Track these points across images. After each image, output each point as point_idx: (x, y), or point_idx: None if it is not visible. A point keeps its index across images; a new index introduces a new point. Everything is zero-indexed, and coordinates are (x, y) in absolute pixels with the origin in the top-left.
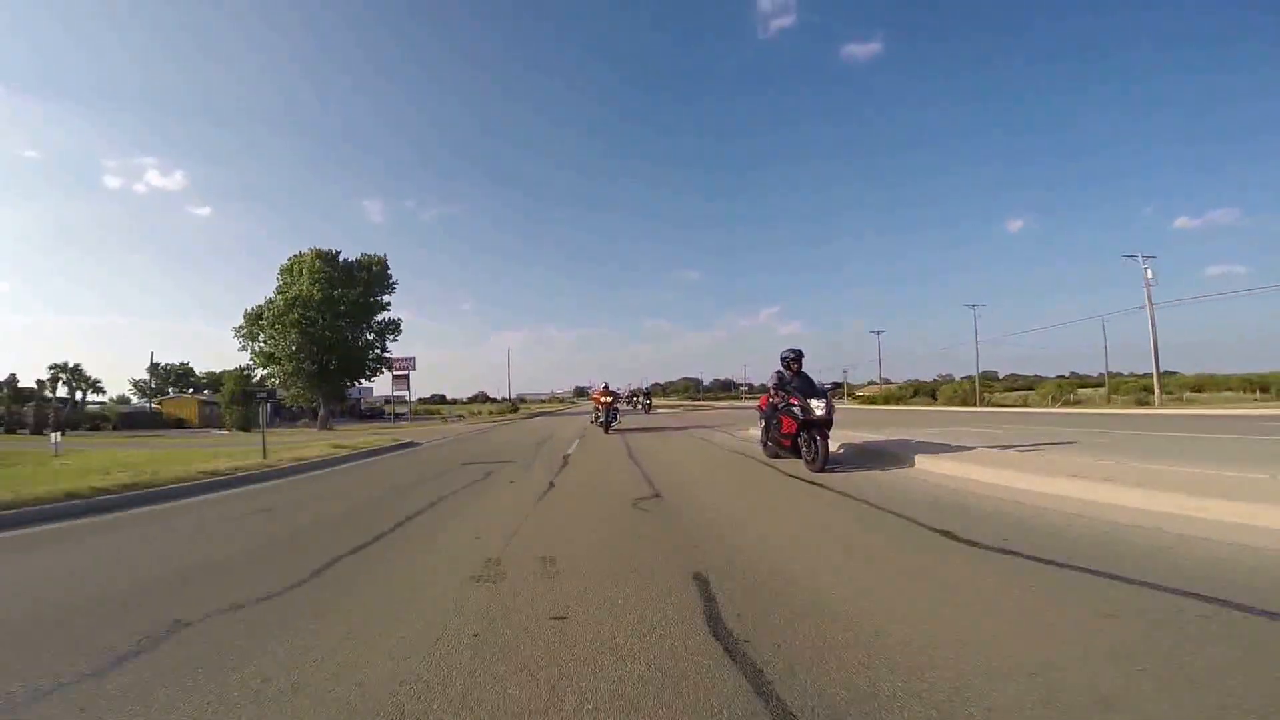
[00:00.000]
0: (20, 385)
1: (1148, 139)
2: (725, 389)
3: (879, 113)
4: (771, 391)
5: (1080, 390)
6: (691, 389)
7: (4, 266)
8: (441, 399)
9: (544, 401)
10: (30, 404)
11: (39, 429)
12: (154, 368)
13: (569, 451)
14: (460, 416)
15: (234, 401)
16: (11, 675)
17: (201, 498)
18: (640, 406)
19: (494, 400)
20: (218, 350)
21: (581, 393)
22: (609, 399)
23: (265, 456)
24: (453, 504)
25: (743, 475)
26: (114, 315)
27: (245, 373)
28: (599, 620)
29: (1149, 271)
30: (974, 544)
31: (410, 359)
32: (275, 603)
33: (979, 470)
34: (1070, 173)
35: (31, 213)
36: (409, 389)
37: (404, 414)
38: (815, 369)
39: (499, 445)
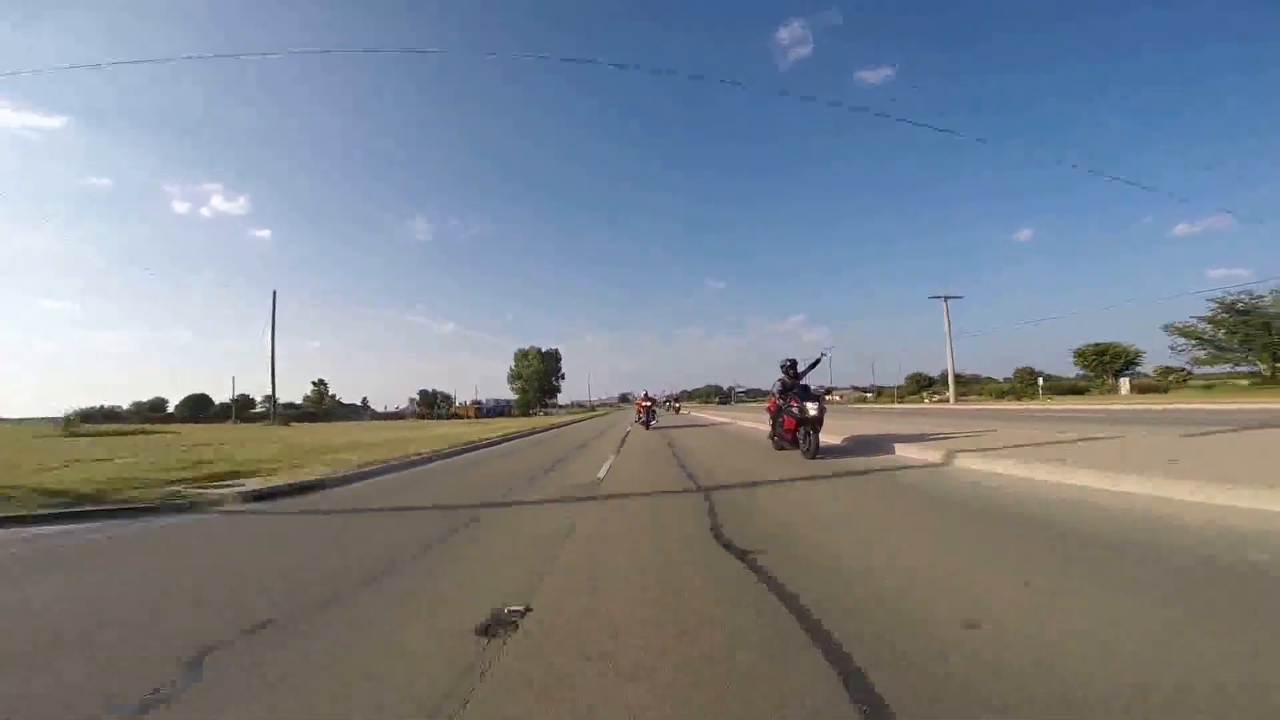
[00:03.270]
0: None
1: (1150, 149)
2: (745, 394)
3: (893, 132)
4: (776, 396)
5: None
6: (713, 395)
7: (77, 287)
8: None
9: (593, 408)
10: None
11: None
12: (424, 393)
13: (629, 427)
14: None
15: (522, 404)
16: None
17: (560, 430)
18: (671, 409)
19: (562, 406)
20: (294, 365)
21: (625, 399)
22: (648, 403)
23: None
24: (612, 431)
25: (728, 441)
26: (187, 332)
27: (517, 394)
28: (646, 466)
29: (827, 356)
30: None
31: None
32: (593, 441)
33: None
34: (1074, 184)
35: (104, 237)
36: (554, 400)
37: (556, 410)
38: (840, 372)
39: (604, 424)
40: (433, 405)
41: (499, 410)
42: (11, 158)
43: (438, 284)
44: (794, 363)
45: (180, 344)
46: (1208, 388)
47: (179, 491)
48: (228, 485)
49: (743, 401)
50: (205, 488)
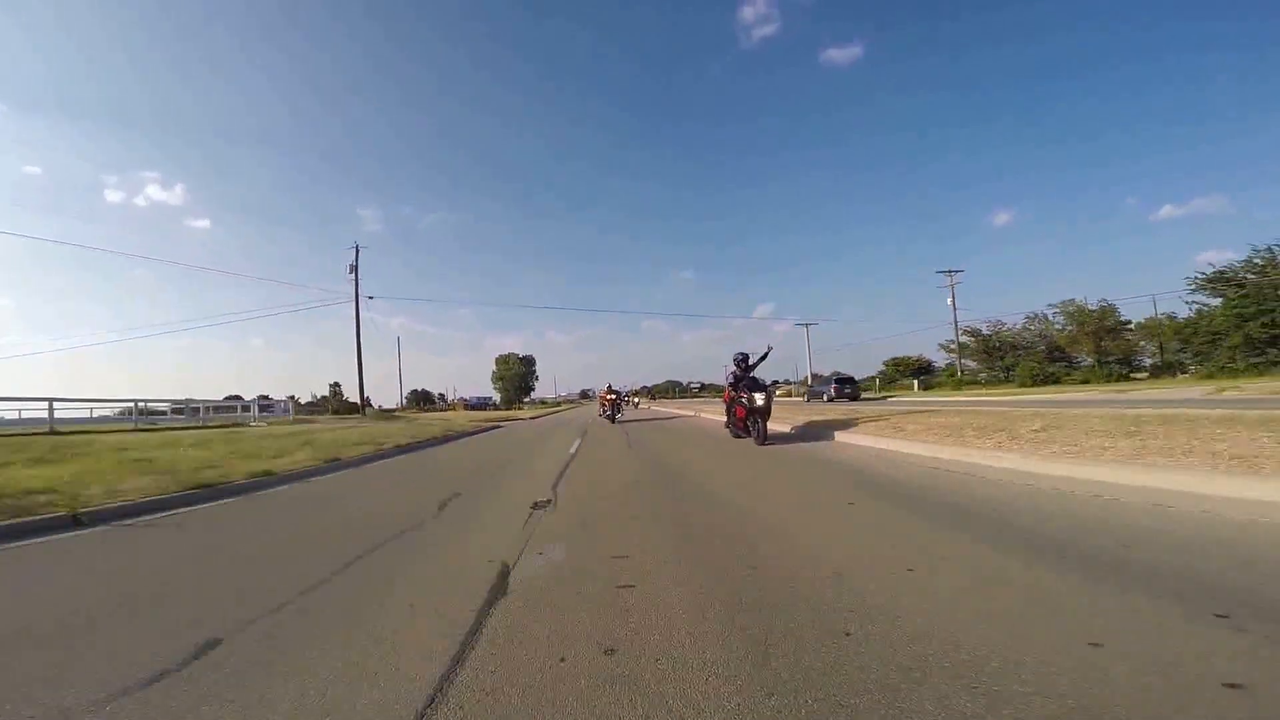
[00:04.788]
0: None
1: (1131, 129)
2: (701, 388)
3: (862, 111)
4: (729, 387)
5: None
6: (672, 390)
7: (9, 282)
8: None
9: (559, 403)
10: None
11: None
12: (415, 392)
13: (592, 419)
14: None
15: (505, 402)
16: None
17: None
18: (631, 404)
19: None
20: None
21: (586, 395)
22: (613, 397)
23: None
24: (583, 421)
25: (684, 431)
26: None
27: (499, 393)
28: (608, 445)
29: (774, 349)
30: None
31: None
32: (570, 427)
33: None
34: (1054, 165)
35: (33, 229)
36: (529, 396)
37: (523, 405)
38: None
39: (567, 417)
40: (425, 401)
41: (482, 405)
42: None
43: (389, 277)
44: (745, 356)
45: (112, 342)
46: (956, 386)
47: (502, 422)
48: (516, 420)
49: (697, 396)
50: (512, 420)
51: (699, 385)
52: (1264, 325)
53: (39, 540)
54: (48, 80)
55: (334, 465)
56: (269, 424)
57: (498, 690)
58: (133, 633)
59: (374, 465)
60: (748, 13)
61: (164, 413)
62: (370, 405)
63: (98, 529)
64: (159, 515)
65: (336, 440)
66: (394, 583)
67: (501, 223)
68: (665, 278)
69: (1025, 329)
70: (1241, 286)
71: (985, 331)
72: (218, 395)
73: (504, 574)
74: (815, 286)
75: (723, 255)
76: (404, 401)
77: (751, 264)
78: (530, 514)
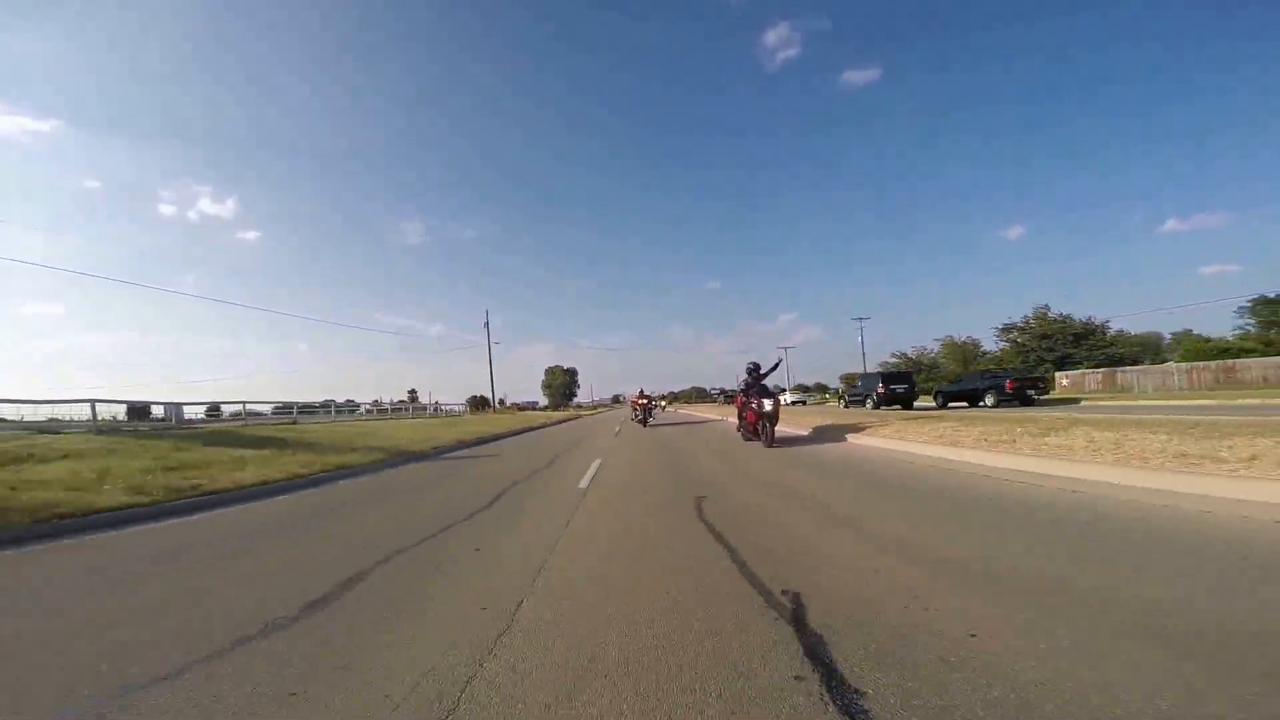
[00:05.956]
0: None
1: (1136, 144)
2: (721, 393)
3: (880, 128)
4: (741, 394)
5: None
6: (695, 397)
7: (64, 289)
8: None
9: (595, 407)
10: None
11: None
12: (473, 398)
13: (625, 419)
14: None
15: (551, 404)
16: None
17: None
18: (659, 407)
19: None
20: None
21: (617, 399)
22: (645, 401)
23: (575, 414)
24: (618, 421)
25: (706, 433)
26: (177, 334)
27: (547, 398)
28: (639, 447)
29: (784, 360)
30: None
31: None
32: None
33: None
34: (1062, 179)
35: (91, 239)
36: (572, 401)
37: (569, 406)
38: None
39: (610, 416)
40: (484, 405)
41: (531, 408)
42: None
43: (427, 287)
44: (757, 365)
45: (163, 346)
46: None
47: (572, 419)
48: (580, 417)
49: (716, 401)
50: (576, 418)
51: (719, 390)
52: (1023, 362)
53: (490, 445)
54: (104, 97)
55: (554, 423)
56: (463, 414)
57: (620, 445)
58: (520, 462)
59: (562, 425)
60: (770, 37)
61: (263, 414)
62: (445, 408)
63: (520, 437)
64: (510, 440)
65: (524, 419)
66: (585, 447)
67: (530, 235)
68: (689, 288)
69: (939, 354)
70: (1022, 331)
71: (911, 355)
72: (255, 397)
73: (617, 433)
74: (828, 295)
75: (749, 264)
76: (464, 405)
77: (774, 274)
78: (617, 431)
